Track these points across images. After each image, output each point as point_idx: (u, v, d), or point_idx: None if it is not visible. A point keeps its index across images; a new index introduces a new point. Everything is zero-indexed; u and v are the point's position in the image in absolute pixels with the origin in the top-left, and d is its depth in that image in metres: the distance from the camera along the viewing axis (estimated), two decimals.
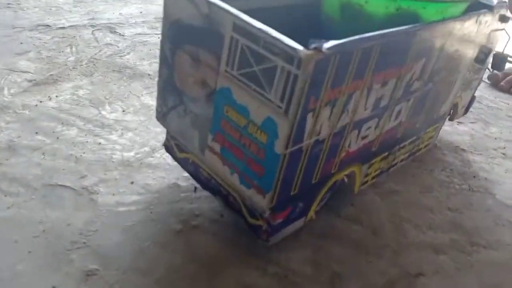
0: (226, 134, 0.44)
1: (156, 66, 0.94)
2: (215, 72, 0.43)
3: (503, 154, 0.85)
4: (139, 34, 1.09)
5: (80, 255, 0.48)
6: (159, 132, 0.70)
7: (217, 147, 0.46)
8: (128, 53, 0.97)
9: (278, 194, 0.43)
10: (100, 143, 0.66)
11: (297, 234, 0.55)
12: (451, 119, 0.81)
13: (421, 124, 0.66)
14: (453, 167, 0.77)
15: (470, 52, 0.65)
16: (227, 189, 0.49)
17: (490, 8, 0.62)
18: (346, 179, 0.56)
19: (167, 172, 0.62)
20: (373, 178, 0.63)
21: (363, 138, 0.52)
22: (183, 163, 0.56)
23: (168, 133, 0.56)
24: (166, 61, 0.49)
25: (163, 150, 0.65)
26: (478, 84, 0.79)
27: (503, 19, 0.66)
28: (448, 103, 0.71)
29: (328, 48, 0.37)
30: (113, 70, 0.88)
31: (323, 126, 0.43)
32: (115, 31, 1.08)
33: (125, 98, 0.79)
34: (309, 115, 0.40)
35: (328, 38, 0.38)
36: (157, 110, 0.53)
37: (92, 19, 1.13)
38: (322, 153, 0.46)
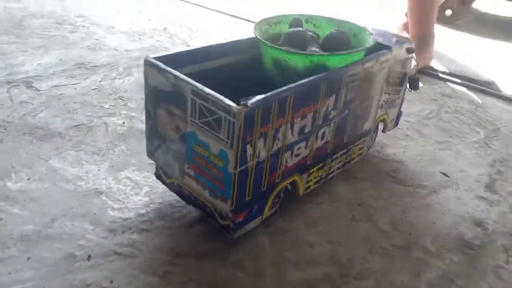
0: (196, 163, 0.63)
1: (68, 122, 0.98)
2: (184, 121, 0.61)
3: (393, 177, 0.94)
4: (56, 86, 1.13)
5: None
6: (60, 200, 0.75)
7: (191, 172, 0.65)
8: (41, 111, 1.01)
9: (236, 200, 0.62)
10: (1, 219, 0.70)
11: (186, 286, 0.62)
12: (383, 131, 0.99)
13: (348, 139, 0.83)
14: (341, 198, 0.85)
15: (379, 83, 0.83)
16: (203, 202, 0.68)
17: (389, 48, 0.81)
18: (289, 186, 0.74)
19: (63, 242, 0.67)
20: (314, 183, 0.80)
21: (297, 155, 0.70)
22: (170, 186, 0.74)
23: (157, 165, 0.74)
24: (150, 115, 0.68)
25: (63, 219, 0.71)
26: (402, 102, 0.98)
27: (409, 50, 0.88)
28: (370, 122, 0.88)
29: (252, 103, 0.56)
30: (24, 133, 0.92)
31: (261, 151, 0.62)
32: (31, 86, 1.12)
33: (32, 164, 0.83)
34: (248, 146, 0.59)
35: (271, 84, 0.61)
36: (147, 149, 0.72)
37: (9, 74, 1.17)
38: (264, 169, 0.65)
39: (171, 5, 2.01)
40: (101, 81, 1.19)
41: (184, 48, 1.43)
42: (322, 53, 0.73)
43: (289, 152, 0.68)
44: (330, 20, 0.86)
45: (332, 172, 0.84)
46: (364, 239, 0.76)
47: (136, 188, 0.80)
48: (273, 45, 0.72)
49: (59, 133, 0.94)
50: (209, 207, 0.67)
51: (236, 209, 0.63)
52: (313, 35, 0.80)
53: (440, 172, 0.97)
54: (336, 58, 0.71)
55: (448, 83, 1.49)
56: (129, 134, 0.96)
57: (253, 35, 0.74)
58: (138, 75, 1.25)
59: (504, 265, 0.74)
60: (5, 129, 0.93)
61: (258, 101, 0.57)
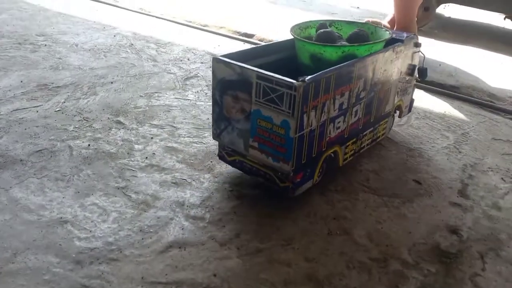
0: (260, 135, 0.77)
1: (30, 148, 0.94)
2: (249, 102, 0.76)
3: (367, 187, 0.93)
4: (17, 110, 1.09)
5: None
6: (22, 232, 0.71)
7: (256, 144, 0.79)
8: (1, 137, 0.96)
9: (295, 161, 0.76)
10: None
11: None
12: (399, 117, 1.13)
13: (374, 119, 0.98)
14: (316, 211, 0.84)
15: (396, 70, 0.99)
16: (264, 170, 0.81)
17: (402, 42, 0.98)
18: (332, 155, 0.88)
19: (27, 278, 0.63)
20: (350, 156, 0.94)
21: (337, 128, 0.85)
22: (232, 163, 0.87)
23: (220, 146, 0.87)
24: (217, 102, 0.81)
25: (26, 253, 0.67)
26: (413, 90, 1.14)
27: (417, 45, 1.04)
28: (390, 104, 1.04)
29: (308, 79, 0.72)
30: None
31: (313, 121, 0.77)
32: None
33: None
34: (304, 115, 0.74)
35: (305, 75, 0.73)
36: (213, 132, 0.85)
37: None
38: (315, 137, 0.79)
39: (138, 20, 1.98)
40: (64, 102, 1.15)
41: (151, 64, 1.40)
42: (351, 44, 0.89)
43: (332, 125, 0.83)
44: (349, 23, 1.04)
45: (363, 147, 0.99)
46: (341, 254, 0.75)
47: (103, 215, 0.77)
48: (310, 41, 0.89)
49: (20, 160, 0.89)
50: (269, 174, 0.81)
51: (295, 169, 0.77)
52: (339, 34, 0.97)
53: (413, 180, 0.98)
54: (363, 47, 0.87)
55: (416, 89, 1.51)
56: (94, 157, 0.93)
57: (283, 39, 0.95)
58: (103, 94, 1.21)
59: (481, 273, 0.74)
60: None
61: (311, 78, 0.72)
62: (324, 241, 0.77)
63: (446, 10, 2.64)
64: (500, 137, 1.21)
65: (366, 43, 0.90)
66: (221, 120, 0.82)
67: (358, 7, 2.65)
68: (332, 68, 0.78)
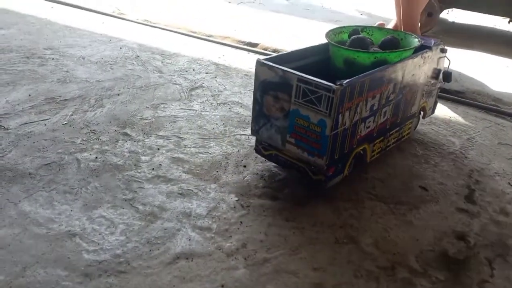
0: (297, 132, 0.84)
1: (38, 161, 0.95)
2: (288, 102, 0.83)
3: (373, 195, 0.93)
4: (25, 124, 1.10)
5: None
6: (31, 246, 0.72)
7: (292, 140, 0.85)
8: (10, 151, 0.98)
9: (329, 157, 0.82)
10: None
11: None
12: (423, 118, 1.19)
13: (401, 119, 1.05)
14: (323, 220, 0.84)
15: (423, 74, 1.06)
16: (298, 163, 0.88)
17: (430, 48, 1.05)
18: (361, 152, 0.94)
19: None
20: (377, 153, 1.01)
21: (367, 127, 0.92)
22: (268, 157, 0.94)
23: (257, 141, 0.94)
24: (257, 101, 0.88)
25: (35, 267, 0.67)
26: (437, 93, 1.19)
27: (443, 50, 1.11)
28: (416, 106, 1.11)
29: (345, 83, 0.78)
30: None
31: (346, 121, 0.84)
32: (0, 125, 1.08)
33: (1, 209, 0.80)
34: (340, 116, 0.81)
35: (338, 78, 0.80)
36: (252, 129, 0.92)
37: None
38: (347, 135, 0.86)
39: (144, 32, 2.00)
40: (72, 115, 1.16)
41: (156, 75, 1.42)
42: (383, 51, 0.95)
43: (363, 124, 0.90)
44: (380, 29, 1.10)
45: (389, 145, 1.05)
46: (348, 262, 0.75)
47: (111, 227, 0.77)
48: (345, 47, 0.95)
49: (29, 173, 0.90)
50: (303, 167, 0.88)
51: (328, 164, 0.83)
52: (371, 40, 1.03)
53: (419, 187, 0.97)
54: (394, 54, 0.94)
55: None
56: (102, 169, 0.94)
57: (318, 43, 1.01)
58: (110, 106, 1.23)
59: (489, 279, 0.73)
60: None
61: (348, 82, 0.79)
62: (331, 250, 0.77)
63: (450, 15, 2.64)
64: (506, 142, 1.20)
65: (397, 50, 0.95)
66: (260, 117, 0.88)
67: (361, 14, 2.65)
68: (366, 73, 0.85)
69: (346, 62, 0.94)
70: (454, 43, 2.14)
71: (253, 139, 1.08)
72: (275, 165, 1.00)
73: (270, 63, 0.84)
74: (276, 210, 0.85)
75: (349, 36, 1.02)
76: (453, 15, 2.65)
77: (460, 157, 1.12)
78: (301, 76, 0.80)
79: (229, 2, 2.75)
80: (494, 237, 0.83)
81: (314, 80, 0.78)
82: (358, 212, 0.87)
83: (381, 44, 1.01)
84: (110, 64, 1.57)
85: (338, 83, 0.77)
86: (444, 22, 2.55)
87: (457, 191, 0.96)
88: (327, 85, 0.77)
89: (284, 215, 0.84)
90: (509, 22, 2.35)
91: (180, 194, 0.88)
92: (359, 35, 1.00)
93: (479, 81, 1.65)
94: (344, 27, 1.06)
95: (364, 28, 1.08)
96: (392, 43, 1.00)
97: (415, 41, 1.01)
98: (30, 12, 2.10)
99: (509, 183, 1.01)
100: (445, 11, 2.42)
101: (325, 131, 0.80)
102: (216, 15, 2.37)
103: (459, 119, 1.36)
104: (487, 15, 2.28)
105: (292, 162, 0.90)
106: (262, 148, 0.93)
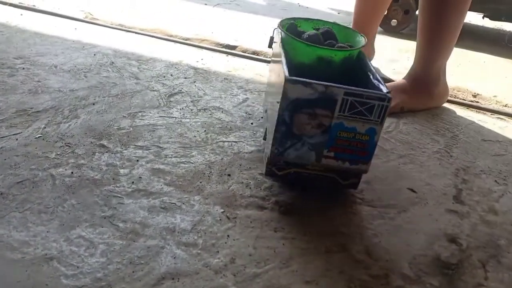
0: (338, 145, 0.82)
1: (10, 179, 0.90)
2: (329, 117, 0.80)
3: (361, 199, 0.91)
4: None
5: None
6: (5, 273, 0.67)
7: (331, 154, 0.83)
8: None
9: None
10: None
11: None
12: None
13: None
14: (312, 228, 0.82)
15: None
16: (326, 174, 0.88)
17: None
18: None
19: None
20: None
21: None
22: (283, 177, 0.90)
23: (268, 164, 0.89)
24: (284, 122, 0.81)
25: None
26: None
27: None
28: None
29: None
30: None
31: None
32: None
33: None
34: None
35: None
36: (273, 152, 0.84)
37: None
38: None
39: (118, 37, 1.94)
40: (45, 127, 1.11)
41: (133, 81, 1.37)
42: (353, 48, 0.93)
43: None
44: (306, 20, 1.05)
45: None
46: (340, 273, 0.72)
47: (90, 248, 0.73)
48: (324, 46, 0.92)
49: (1, 193, 0.85)
50: (333, 176, 0.88)
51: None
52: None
53: (407, 188, 0.96)
54: (356, 50, 0.94)
55: None
56: (78, 185, 0.89)
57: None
58: (85, 116, 1.17)
59: (484, 282, 0.72)
60: None
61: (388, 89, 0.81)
62: (322, 260, 0.75)
63: None
64: (489, 138, 1.20)
65: (359, 47, 0.93)
66: (287, 138, 0.82)
67: (339, 12, 2.65)
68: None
69: (321, 60, 0.90)
70: None
71: (237, 146, 1.05)
72: (260, 172, 0.97)
73: (307, 80, 0.78)
74: (264, 220, 0.82)
75: (287, 30, 0.96)
76: None
77: (446, 156, 1.11)
78: (349, 88, 0.77)
79: (205, 4, 2.71)
80: (485, 237, 0.82)
81: (365, 91, 0.77)
82: (347, 218, 0.85)
83: (322, 36, 0.97)
84: (84, 72, 1.51)
85: (386, 92, 0.79)
86: None
87: (445, 192, 0.95)
88: (381, 94, 0.78)
89: (272, 226, 0.81)
90: (483, 18, 2.37)
91: (163, 208, 0.84)
92: (316, 33, 0.96)
93: (458, 77, 1.66)
94: (282, 21, 1.00)
95: (293, 20, 1.02)
96: (331, 35, 0.97)
97: (348, 31, 1.01)
98: None
99: (495, 180, 1.00)
100: None
101: (374, 138, 0.81)
102: (192, 18, 2.33)
103: (442, 116, 1.35)
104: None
105: (317, 175, 0.88)
106: (276, 169, 0.89)
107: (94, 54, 1.69)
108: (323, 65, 0.90)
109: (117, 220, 0.80)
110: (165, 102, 1.31)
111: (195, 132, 1.14)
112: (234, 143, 1.09)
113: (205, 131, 1.15)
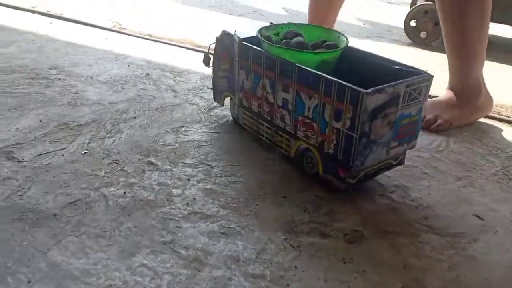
0: (400, 132, 0.88)
1: (62, 199, 0.87)
2: (395, 112, 0.84)
3: (427, 226, 0.87)
4: (40, 155, 1.01)
5: None
6: None
7: (396, 143, 0.89)
8: (29, 188, 0.89)
9: None
10: None
11: None
12: None
13: None
14: (383, 260, 0.77)
15: None
16: (383, 164, 0.94)
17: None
18: None
19: None
20: None
21: None
22: (355, 184, 0.91)
23: (349, 177, 0.89)
24: (365, 134, 0.82)
25: None
26: None
27: None
28: None
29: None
30: (13, 220, 0.80)
31: None
32: (12, 157, 1.00)
33: (29, 260, 0.71)
34: None
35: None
36: (356, 165, 0.85)
37: None
38: None
39: (148, 47, 1.92)
40: (89, 143, 1.08)
41: (170, 94, 1.34)
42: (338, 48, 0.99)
43: None
44: (267, 27, 1.09)
45: None
46: None
47: (155, 278, 0.69)
48: (331, 50, 0.99)
49: (54, 214, 0.82)
50: (389, 162, 0.94)
51: None
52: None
53: (473, 215, 0.91)
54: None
55: None
56: (132, 206, 0.86)
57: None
58: (128, 131, 1.14)
59: None
60: None
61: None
62: None
63: None
64: None
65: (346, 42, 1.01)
66: (366, 147, 0.84)
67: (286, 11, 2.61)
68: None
69: (324, 63, 0.96)
70: None
71: (286, 165, 1.01)
72: (316, 195, 0.93)
73: (381, 87, 0.80)
74: (330, 249, 0.78)
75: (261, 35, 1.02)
76: None
77: (505, 178, 1.06)
78: (408, 81, 0.82)
79: (230, 14, 2.69)
80: None
81: (417, 78, 0.84)
82: (416, 248, 0.80)
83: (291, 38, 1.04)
84: (121, 83, 1.49)
85: (426, 71, 0.87)
86: None
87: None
88: (428, 75, 0.86)
89: (339, 256, 0.77)
90: None
91: (222, 233, 0.81)
92: (300, 39, 1.03)
93: (499, 93, 1.60)
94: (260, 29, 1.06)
95: (260, 32, 1.05)
96: (298, 34, 1.05)
97: (307, 28, 1.10)
98: (29, 28, 2.01)
99: None
100: None
101: (420, 116, 0.89)
102: (219, 28, 2.30)
103: (490, 135, 1.31)
104: (498, 23, 2.25)
105: (379, 167, 0.93)
106: (351, 178, 0.89)
107: (128, 65, 1.67)
108: (326, 68, 0.95)
109: (178, 247, 0.77)
110: (206, 117, 1.28)
111: (240, 149, 1.11)
112: (283, 161, 1.05)
113: (250, 148, 1.11)
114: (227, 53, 1.15)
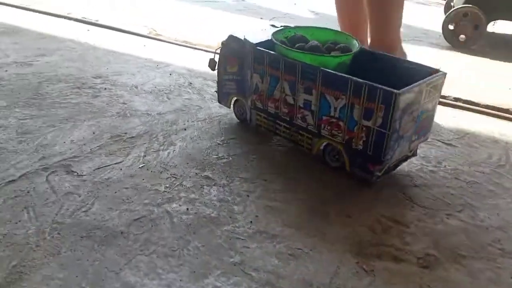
0: (419, 127, 0.93)
1: (127, 216, 0.86)
2: (418, 107, 0.89)
3: (501, 250, 0.84)
4: (99, 168, 1.01)
5: None
6: None
7: (416, 136, 0.94)
8: (93, 204, 0.88)
9: None
10: None
11: None
12: None
13: None
14: (461, 283, 0.74)
15: None
16: (405, 156, 1.01)
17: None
18: None
19: None
20: None
21: None
22: (380, 177, 0.96)
23: (377, 170, 0.94)
24: (396, 131, 0.87)
25: None
26: None
27: None
28: None
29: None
30: (81, 237, 0.79)
31: None
32: (71, 171, 0.99)
33: (103, 280, 0.70)
34: None
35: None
36: (387, 159, 0.90)
37: (43, 158, 1.04)
38: None
39: (187, 54, 1.91)
40: (145, 156, 1.07)
41: (216, 105, 1.32)
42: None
43: None
44: (276, 32, 1.12)
45: None
46: None
47: None
48: (348, 53, 1.02)
49: (121, 232, 0.81)
50: (407, 156, 1.00)
51: None
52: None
53: None
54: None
55: (485, 115, 1.42)
56: (197, 224, 0.84)
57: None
58: (181, 143, 1.13)
59: None
60: (58, 233, 0.80)
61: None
62: None
63: (495, 28, 2.55)
64: None
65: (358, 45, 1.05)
66: (394, 143, 0.89)
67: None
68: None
69: (340, 64, 0.99)
70: (504, 57, 2.04)
71: (346, 180, 0.99)
72: (382, 215, 0.90)
73: (410, 86, 0.86)
74: (405, 275, 0.76)
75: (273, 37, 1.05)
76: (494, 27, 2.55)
77: None
78: (429, 79, 0.89)
79: (261, 18, 2.67)
80: None
81: (437, 75, 0.92)
82: (495, 274, 0.77)
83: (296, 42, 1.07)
84: (166, 93, 1.48)
85: (438, 69, 0.93)
86: (491, 35, 2.46)
87: None
88: (441, 73, 0.92)
89: (416, 283, 0.74)
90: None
91: (291, 255, 0.79)
92: (314, 43, 1.06)
93: None
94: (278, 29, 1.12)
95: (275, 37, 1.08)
96: (303, 39, 1.08)
97: (315, 30, 1.13)
98: (67, 35, 2.02)
99: None
100: (491, 23, 2.34)
101: (435, 109, 0.95)
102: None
103: None
104: None
105: (397, 161, 0.99)
106: (379, 172, 0.94)
107: (170, 74, 1.67)
108: (342, 68, 0.97)
109: (248, 268, 0.75)
110: (253, 128, 1.26)
111: (295, 161, 1.09)
112: (342, 173, 1.02)
113: (303, 160, 1.09)
114: (235, 57, 1.16)
